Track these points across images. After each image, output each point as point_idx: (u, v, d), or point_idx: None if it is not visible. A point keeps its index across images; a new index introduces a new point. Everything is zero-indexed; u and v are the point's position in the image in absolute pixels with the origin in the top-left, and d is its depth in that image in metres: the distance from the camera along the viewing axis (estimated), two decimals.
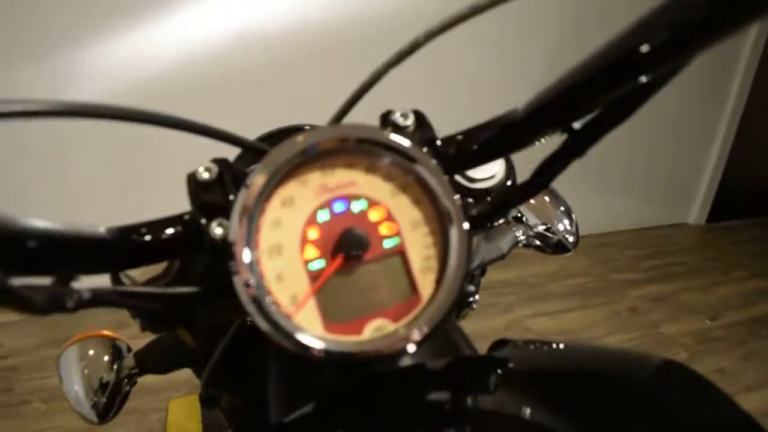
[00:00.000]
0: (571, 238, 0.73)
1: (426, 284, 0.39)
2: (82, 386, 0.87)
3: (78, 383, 0.87)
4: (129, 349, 0.89)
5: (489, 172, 0.55)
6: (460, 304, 0.66)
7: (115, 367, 0.88)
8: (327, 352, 0.36)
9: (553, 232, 0.72)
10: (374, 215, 0.40)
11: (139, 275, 0.50)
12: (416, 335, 0.38)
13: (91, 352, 0.89)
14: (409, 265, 0.39)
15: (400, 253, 0.39)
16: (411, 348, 0.38)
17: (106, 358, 0.89)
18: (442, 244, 0.39)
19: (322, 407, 0.40)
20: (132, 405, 0.89)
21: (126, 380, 0.86)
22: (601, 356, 0.42)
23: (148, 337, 0.76)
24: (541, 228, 0.72)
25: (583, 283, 3.11)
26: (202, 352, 0.65)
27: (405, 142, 0.39)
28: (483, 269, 0.69)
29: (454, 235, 0.38)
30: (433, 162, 0.38)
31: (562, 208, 0.74)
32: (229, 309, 0.39)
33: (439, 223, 0.39)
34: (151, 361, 0.85)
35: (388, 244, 0.39)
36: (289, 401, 0.47)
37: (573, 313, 2.83)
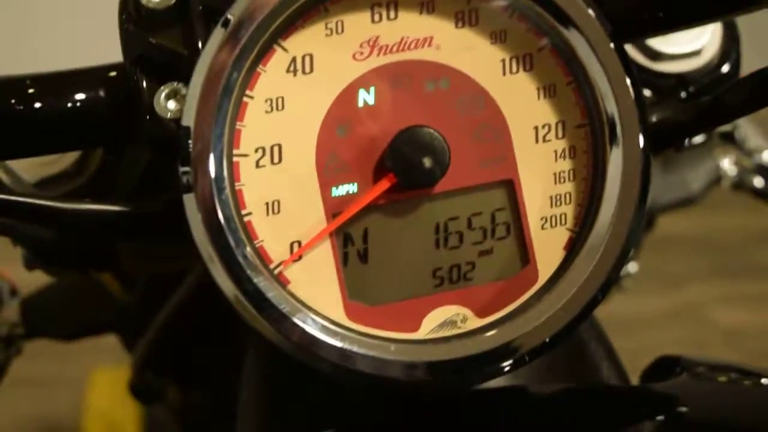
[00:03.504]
0: None
1: (550, 249, 0.31)
2: None
3: None
4: (13, 293, 0.65)
5: (690, 45, 0.44)
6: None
7: None
8: (344, 359, 0.29)
9: None
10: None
11: (27, 169, 0.41)
12: (523, 344, 0.30)
13: None
14: (521, 208, 0.31)
15: (507, 184, 0.31)
16: (509, 367, 0.30)
17: None
18: (589, 176, 0.31)
19: None
20: (24, 371, 0.71)
21: (2, 345, 0.64)
22: None
23: (48, 278, 0.58)
24: None
25: None
26: (137, 314, 0.58)
27: None
28: (651, 219, 0.64)
29: (616, 159, 0.30)
30: (593, 16, 0.30)
31: None
32: (182, 248, 0.32)
33: (589, 134, 0.31)
34: (48, 317, 0.65)
35: (485, 165, 0.31)
36: (280, 421, 0.39)
37: None
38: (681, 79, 0.43)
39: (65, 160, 0.41)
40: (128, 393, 0.61)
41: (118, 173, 0.41)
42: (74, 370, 1.47)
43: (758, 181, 0.62)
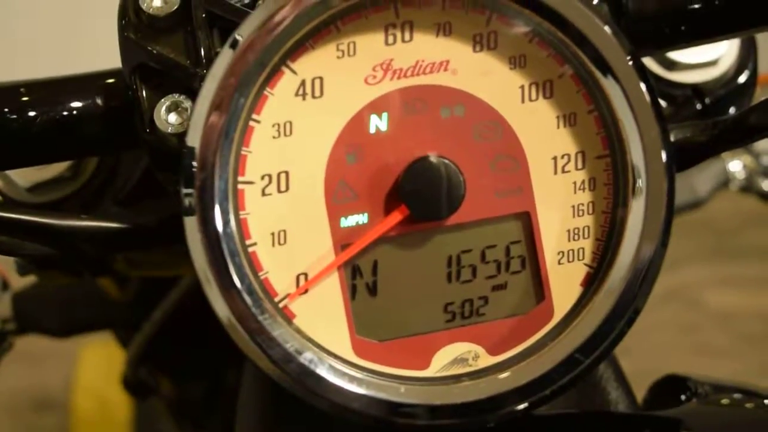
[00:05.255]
0: None
1: (567, 285, 0.30)
2: None
3: None
4: (5, 286, 0.62)
5: (707, 54, 0.42)
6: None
7: None
8: (351, 400, 0.28)
9: None
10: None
11: (21, 174, 0.40)
12: (539, 387, 0.29)
13: None
14: (537, 242, 0.30)
15: (523, 216, 0.30)
16: (524, 410, 0.29)
17: None
18: (610, 209, 0.30)
19: None
20: (15, 344, 0.67)
21: None
22: None
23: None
24: None
25: None
26: (132, 311, 0.56)
27: None
28: None
29: (639, 191, 0.29)
30: (613, 36, 0.28)
31: None
32: (178, 258, 0.34)
33: (610, 165, 0.30)
34: (41, 313, 0.64)
35: (501, 196, 0.30)
36: None
37: None
38: (696, 89, 0.42)
39: (60, 164, 0.39)
40: (122, 388, 0.60)
41: (114, 179, 0.40)
42: (65, 344, 1.45)
43: (766, 184, 0.61)
